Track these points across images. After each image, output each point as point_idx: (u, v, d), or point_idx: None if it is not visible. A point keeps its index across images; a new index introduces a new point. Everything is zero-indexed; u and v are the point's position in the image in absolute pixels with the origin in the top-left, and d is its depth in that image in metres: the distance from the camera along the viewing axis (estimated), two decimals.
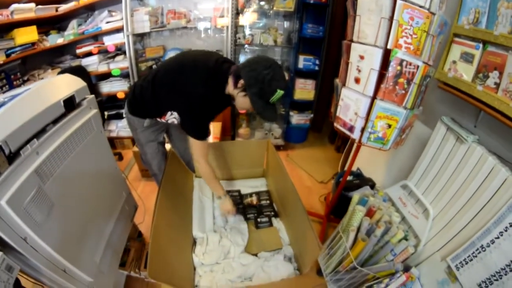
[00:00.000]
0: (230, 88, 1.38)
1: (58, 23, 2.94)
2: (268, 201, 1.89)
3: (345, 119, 1.65)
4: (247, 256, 1.51)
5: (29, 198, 0.83)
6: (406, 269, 1.34)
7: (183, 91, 1.37)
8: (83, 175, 1.17)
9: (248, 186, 2.04)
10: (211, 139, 2.14)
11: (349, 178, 2.17)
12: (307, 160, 3.23)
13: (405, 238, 1.35)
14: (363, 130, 1.55)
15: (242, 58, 3.08)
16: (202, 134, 1.44)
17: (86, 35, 2.81)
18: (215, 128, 2.88)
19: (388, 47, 1.35)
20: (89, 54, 2.89)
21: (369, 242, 1.33)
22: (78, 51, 2.87)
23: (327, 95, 3.38)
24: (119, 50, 3.02)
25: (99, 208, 1.30)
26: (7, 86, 2.26)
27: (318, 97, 3.42)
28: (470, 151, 1.32)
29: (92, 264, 1.17)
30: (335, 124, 1.77)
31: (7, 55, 2.23)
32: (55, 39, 2.74)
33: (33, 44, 2.46)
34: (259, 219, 1.73)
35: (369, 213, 1.46)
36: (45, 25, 2.74)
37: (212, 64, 1.40)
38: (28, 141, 0.87)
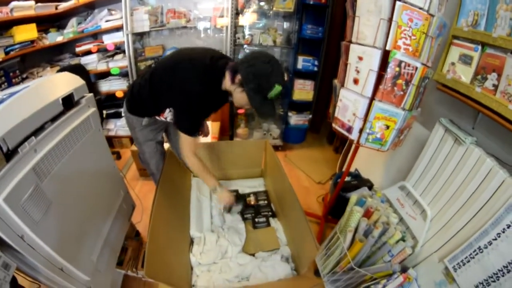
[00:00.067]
0: (227, 84, 1.36)
1: (57, 21, 2.93)
2: (266, 201, 1.89)
3: (344, 120, 1.66)
4: (244, 256, 1.51)
5: (26, 196, 0.82)
6: (404, 270, 1.34)
7: (180, 87, 1.35)
8: (81, 174, 1.17)
9: (246, 186, 2.03)
10: (209, 138, 2.13)
11: (347, 179, 2.17)
12: (305, 160, 3.24)
13: (403, 239, 1.35)
14: (361, 131, 1.56)
15: None
16: (194, 130, 1.43)
17: (86, 34, 2.81)
18: (213, 127, 2.88)
19: (387, 48, 1.35)
20: (89, 52, 2.88)
21: (367, 243, 1.34)
22: (78, 49, 2.86)
23: (326, 96, 3.38)
24: (119, 49, 3.02)
25: (96, 207, 1.30)
26: (6, 84, 2.25)
27: (317, 98, 3.43)
28: (468, 153, 1.32)
29: (89, 263, 1.17)
30: (333, 125, 1.77)
31: (6, 53, 2.22)
32: (55, 37, 2.73)
33: (32, 42, 2.45)
34: (256, 219, 1.73)
35: (367, 214, 1.46)
36: (45, 23, 2.73)
37: (208, 61, 1.38)
38: (26, 139, 0.87)
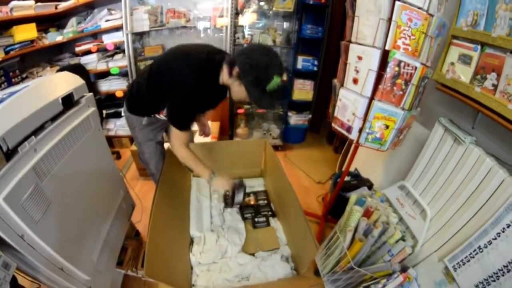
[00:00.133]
0: (224, 77, 1.34)
1: (57, 21, 2.93)
2: (265, 201, 1.89)
3: (343, 120, 1.66)
4: (244, 256, 1.51)
5: (26, 196, 0.82)
6: (404, 269, 1.34)
7: (175, 81, 1.33)
8: (81, 173, 1.17)
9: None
10: (209, 138, 2.13)
11: (347, 178, 2.18)
12: (305, 160, 3.24)
13: (403, 238, 1.36)
14: (361, 130, 1.56)
15: None
16: (185, 125, 1.41)
17: (85, 33, 2.81)
18: (213, 127, 2.87)
19: (386, 48, 1.36)
20: (88, 52, 2.88)
21: (367, 243, 1.34)
22: (77, 49, 2.86)
23: (325, 96, 3.39)
24: (118, 48, 3.02)
25: (96, 207, 1.30)
26: (5, 84, 2.25)
27: (316, 98, 3.43)
28: (467, 153, 1.32)
29: (89, 263, 1.17)
30: (333, 125, 1.77)
31: (6, 52, 2.22)
32: (54, 37, 2.73)
33: (32, 41, 2.45)
34: (256, 219, 1.73)
35: (367, 214, 1.47)
36: (44, 23, 2.73)
37: (205, 55, 1.36)
38: (26, 138, 0.87)
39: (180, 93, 1.32)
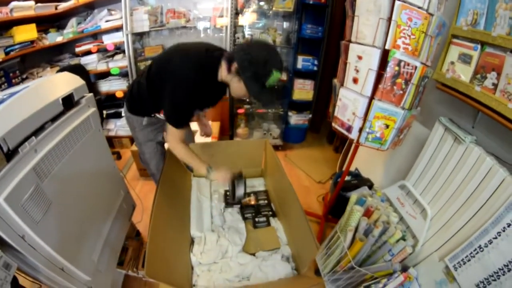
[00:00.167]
0: (223, 74, 1.32)
1: (57, 21, 2.93)
2: (266, 201, 1.89)
3: (343, 119, 1.66)
4: (244, 256, 1.51)
5: (27, 196, 0.82)
6: (404, 269, 1.34)
7: (173, 78, 1.32)
8: (81, 174, 1.17)
9: (246, 186, 2.03)
10: (209, 138, 2.13)
11: (347, 178, 2.17)
12: (305, 160, 3.24)
13: (403, 238, 1.35)
14: (361, 130, 1.56)
15: None
16: (182, 123, 1.39)
17: (85, 34, 2.81)
18: (213, 127, 2.88)
19: (386, 47, 1.36)
20: (88, 52, 2.88)
21: (367, 242, 1.34)
22: (77, 49, 2.87)
23: (325, 96, 3.39)
24: (118, 49, 3.02)
25: (97, 207, 1.30)
26: (5, 84, 2.25)
27: (316, 98, 3.43)
28: (468, 152, 1.32)
29: (90, 263, 1.17)
30: (333, 124, 1.77)
31: (6, 53, 2.22)
32: (54, 37, 2.73)
33: (32, 42, 2.46)
34: (257, 219, 1.73)
35: (367, 213, 1.46)
36: (45, 23, 2.73)
37: (203, 52, 1.36)
38: (26, 139, 0.87)
39: (178, 90, 1.31)
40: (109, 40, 2.85)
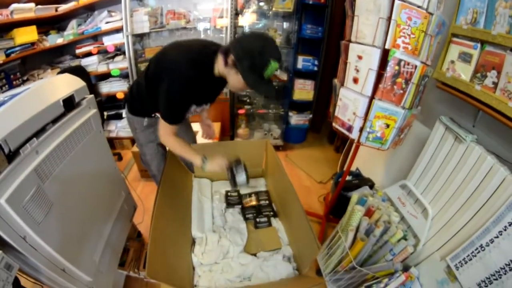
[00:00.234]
0: (220, 67, 1.30)
1: (57, 23, 2.94)
2: (267, 201, 1.89)
3: (344, 119, 1.66)
4: (246, 256, 1.51)
5: (28, 197, 0.83)
6: (406, 268, 1.34)
7: (167, 73, 1.29)
8: (82, 175, 1.17)
9: (247, 186, 2.03)
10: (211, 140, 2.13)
11: (348, 178, 2.17)
12: (306, 160, 3.24)
13: (404, 237, 1.35)
14: (361, 130, 1.56)
15: None
16: (176, 119, 1.37)
17: (86, 35, 2.82)
18: (214, 128, 2.88)
19: (386, 47, 1.36)
20: (89, 54, 2.89)
21: (368, 242, 1.34)
22: (78, 51, 2.87)
23: (326, 96, 3.39)
24: (119, 50, 3.03)
25: (98, 208, 1.30)
26: (6, 86, 2.26)
27: (317, 98, 3.42)
28: (468, 151, 1.32)
29: (91, 264, 1.17)
30: (333, 124, 1.77)
31: (7, 55, 2.23)
32: (55, 39, 2.74)
33: (32, 44, 2.46)
34: (258, 219, 1.73)
35: (368, 213, 1.46)
36: (45, 25, 2.74)
37: (200, 47, 1.34)
38: (27, 140, 0.87)
39: (172, 86, 1.28)
40: (109, 42, 2.86)
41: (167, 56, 1.34)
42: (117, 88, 3.02)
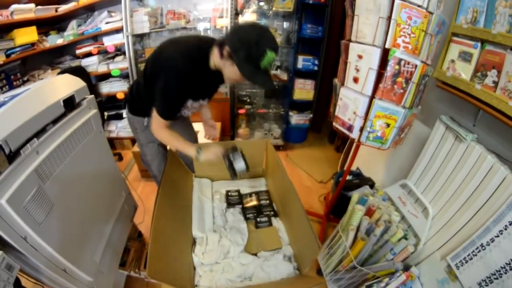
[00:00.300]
0: (216, 60, 1.28)
1: (57, 24, 2.95)
2: (267, 201, 1.89)
3: (344, 119, 1.66)
4: (246, 256, 1.51)
5: (29, 198, 0.83)
6: (406, 268, 1.34)
7: (162, 69, 1.28)
8: (83, 175, 1.18)
9: (247, 186, 2.04)
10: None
11: (349, 177, 2.17)
12: (307, 160, 3.24)
13: (405, 237, 1.35)
14: (362, 129, 1.56)
15: None
16: (170, 114, 1.36)
17: (86, 36, 2.82)
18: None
19: (386, 46, 1.35)
20: (89, 54, 2.89)
21: (369, 242, 1.33)
22: (78, 51, 2.88)
23: (326, 95, 3.38)
24: (119, 50, 3.03)
25: (99, 208, 1.30)
26: (7, 87, 2.26)
27: (317, 97, 3.43)
28: (469, 150, 1.32)
29: (92, 264, 1.17)
30: (334, 124, 1.77)
31: (7, 56, 2.23)
32: (55, 40, 2.75)
33: (33, 44, 2.47)
34: (258, 219, 1.73)
35: (369, 212, 1.46)
36: (45, 26, 2.74)
37: (194, 42, 1.34)
38: (28, 141, 0.88)
39: (167, 81, 1.27)
40: (109, 42, 2.86)
41: (163, 54, 1.34)
42: (117, 88, 3.02)
